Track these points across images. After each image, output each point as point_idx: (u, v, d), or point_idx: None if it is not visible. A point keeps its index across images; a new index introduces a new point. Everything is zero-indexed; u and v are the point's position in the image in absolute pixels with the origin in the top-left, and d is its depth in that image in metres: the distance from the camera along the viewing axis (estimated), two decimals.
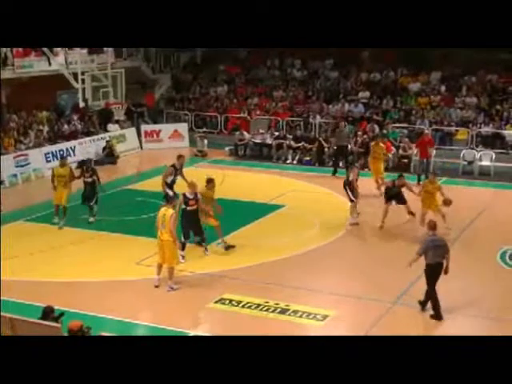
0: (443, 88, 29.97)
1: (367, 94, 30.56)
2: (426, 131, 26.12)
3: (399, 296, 13.82)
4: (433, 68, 30.96)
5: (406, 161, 25.44)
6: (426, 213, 17.54)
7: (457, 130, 27.45)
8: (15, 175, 23.82)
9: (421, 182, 22.17)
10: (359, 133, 27.08)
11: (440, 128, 27.67)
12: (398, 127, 27.90)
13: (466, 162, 25.52)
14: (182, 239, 15.66)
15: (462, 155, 25.59)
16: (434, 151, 25.64)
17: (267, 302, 13.46)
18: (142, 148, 29.61)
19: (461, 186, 23.47)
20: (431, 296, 12.85)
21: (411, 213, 18.52)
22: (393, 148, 26.03)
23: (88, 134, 28.09)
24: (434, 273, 12.76)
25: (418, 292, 13.49)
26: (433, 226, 13.05)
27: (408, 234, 17.63)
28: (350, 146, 26.23)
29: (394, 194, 18.56)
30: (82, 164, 26.14)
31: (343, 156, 25.57)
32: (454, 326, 12.59)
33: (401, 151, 25.85)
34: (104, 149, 27.31)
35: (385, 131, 27.45)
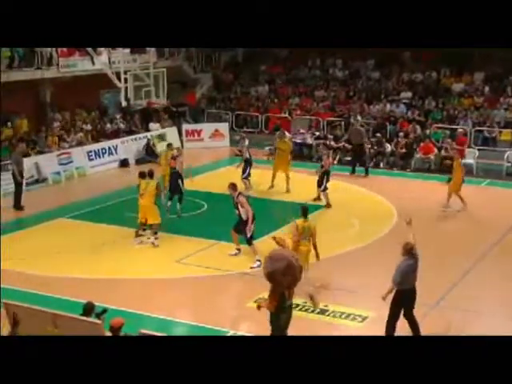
0: (487, 89, 29.58)
1: (409, 94, 30.32)
2: (460, 130, 25.83)
3: (440, 298, 13.66)
4: (476, 68, 30.56)
5: (448, 162, 25.15)
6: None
7: (500, 131, 27.07)
8: (58, 173, 24.16)
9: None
10: (401, 134, 26.87)
11: (483, 129, 27.32)
12: (439, 127, 27.61)
13: (510, 164, 25.14)
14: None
15: (506, 157, 25.22)
16: (477, 152, 25.42)
17: (306, 303, 13.43)
18: (182, 147, 29.78)
19: (504, 188, 23.14)
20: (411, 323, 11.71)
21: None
22: (435, 149, 25.83)
23: (130, 132, 28.39)
24: (408, 299, 11.67)
25: (461, 295, 13.33)
26: (409, 250, 11.55)
27: (452, 236, 17.42)
28: (368, 146, 26.19)
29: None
30: (124, 163, 26.54)
31: (359, 155, 25.41)
32: (497, 326, 12.41)
33: (443, 152, 25.57)
34: (144, 147, 27.58)
35: (427, 132, 27.24)
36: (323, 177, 20.48)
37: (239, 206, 15.48)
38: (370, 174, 24.64)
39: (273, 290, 9.69)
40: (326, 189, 20.45)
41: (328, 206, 20.39)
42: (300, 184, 22.95)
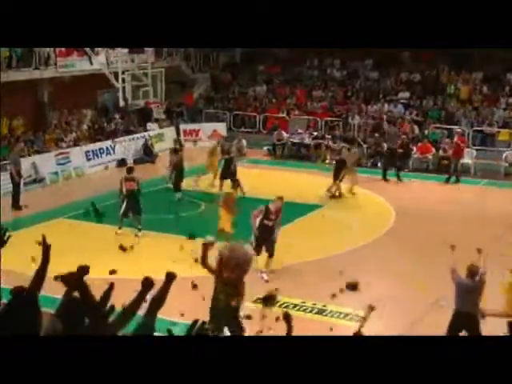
0: (485, 88, 29.60)
1: (407, 94, 30.34)
2: (458, 130, 25.84)
3: (439, 298, 13.66)
4: (475, 68, 30.59)
5: (446, 162, 25.20)
6: None
7: (498, 131, 27.09)
8: (56, 173, 24.13)
9: (449, 182, 22.34)
10: (399, 134, 26.90)
11: (482, 128, 27.34)
12: (438, 127, 27.63)
13: (507, 164, 25.18)
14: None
15: (504, 157, 25.25)
16: (475, 152, 25.47)
17: (304, 303, 13.45)
18: (181, 146, 29.75)
19: (502, 188, 23.16)
20: None
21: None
22: (432, 149, 25.87)
23: (128, 132, 28.41)
24: (460, 322, 11.14)
25: None
26: (472, 272, 11.20)
27: (451, 236, 17.39)
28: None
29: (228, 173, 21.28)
30: (121, 163, 26.53)
31: (393, 158, 24.63)
32: (497, 326, 12.40)
33: (441, 152, 25.61)
34: (142, 147, 27.60)
35: (425, 132, 27.27)
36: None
37: (278, 216, 14.95)
38: (369, 174, 24.60)
39: (240, 282, 9.86)
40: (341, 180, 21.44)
41: (340, 195, 21.47)
42: (301, 184, 23.02)
